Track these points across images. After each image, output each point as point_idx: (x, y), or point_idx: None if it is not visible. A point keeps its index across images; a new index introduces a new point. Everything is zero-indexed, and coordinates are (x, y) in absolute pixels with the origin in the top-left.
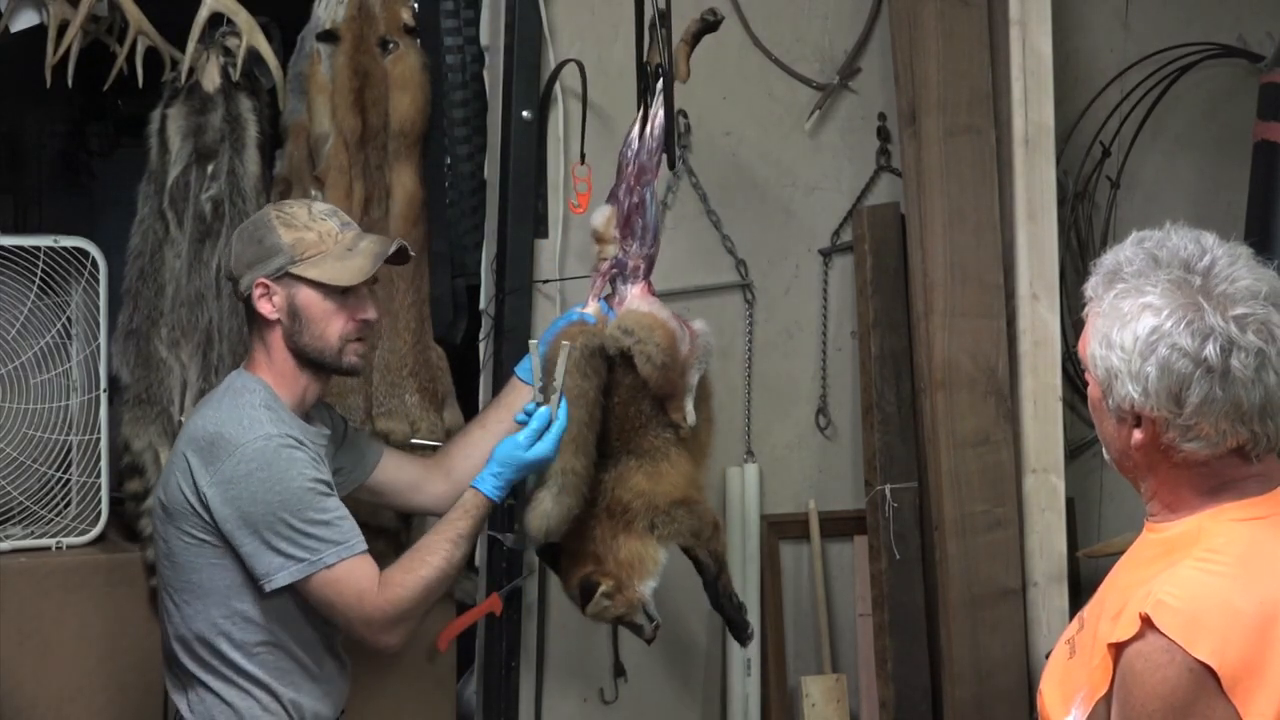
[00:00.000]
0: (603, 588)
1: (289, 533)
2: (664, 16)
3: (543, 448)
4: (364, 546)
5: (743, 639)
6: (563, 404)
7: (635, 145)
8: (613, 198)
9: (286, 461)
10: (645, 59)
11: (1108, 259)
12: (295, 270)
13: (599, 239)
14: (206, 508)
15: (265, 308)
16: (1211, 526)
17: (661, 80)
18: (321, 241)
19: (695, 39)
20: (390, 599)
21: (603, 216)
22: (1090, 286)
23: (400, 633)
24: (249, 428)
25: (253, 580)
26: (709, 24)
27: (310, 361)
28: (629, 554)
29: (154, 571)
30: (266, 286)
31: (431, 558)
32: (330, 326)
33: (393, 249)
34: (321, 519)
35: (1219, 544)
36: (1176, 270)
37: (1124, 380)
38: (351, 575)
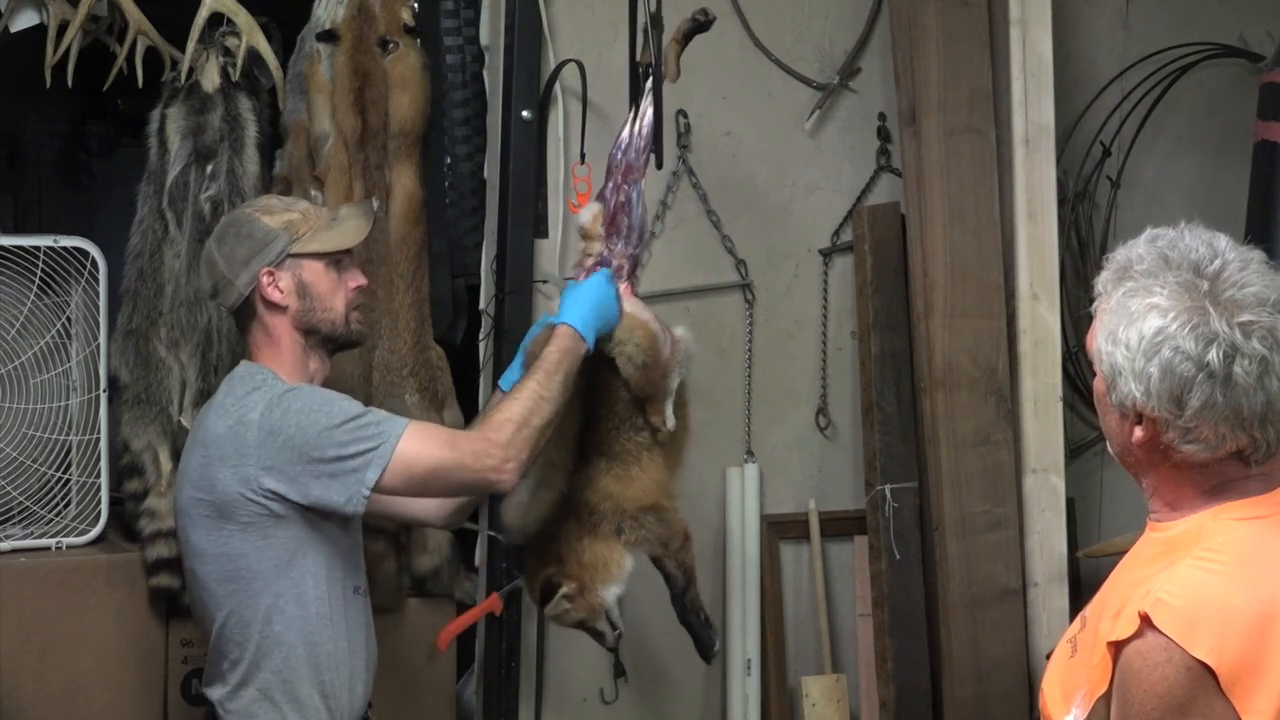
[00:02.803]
0: (564, 590)
1: (348, 438)
2: (654, 18)
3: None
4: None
5: (708, 656)
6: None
7: (624, 144)
8: (601, 196)
9: (308, 390)
10: (639, 59)
11: (1120, 255)
12: (296, 249)
13: (586, 236)
14: (267, 489)
15: (275, 295)
16: (1212, 525)
17: (650, 79)
18: (306, 220)
19: (686, 38)
20: (488, 426)
21: (590, 214)
22: (1101, 281)
23: (511, 457)
24: (263, 392)
25: (321, 527)
26: (700, 24)
27: (323, 339)
28: (593, 557)
29: (154, 572)
30: (272, 274)
31: (523, 385)
32: (337, 297)
33: (376, 206)
34: (363, 411)
35: (1219, 543)
36: (1186, 273)
37: (1127, 378)
38: (424, 434)
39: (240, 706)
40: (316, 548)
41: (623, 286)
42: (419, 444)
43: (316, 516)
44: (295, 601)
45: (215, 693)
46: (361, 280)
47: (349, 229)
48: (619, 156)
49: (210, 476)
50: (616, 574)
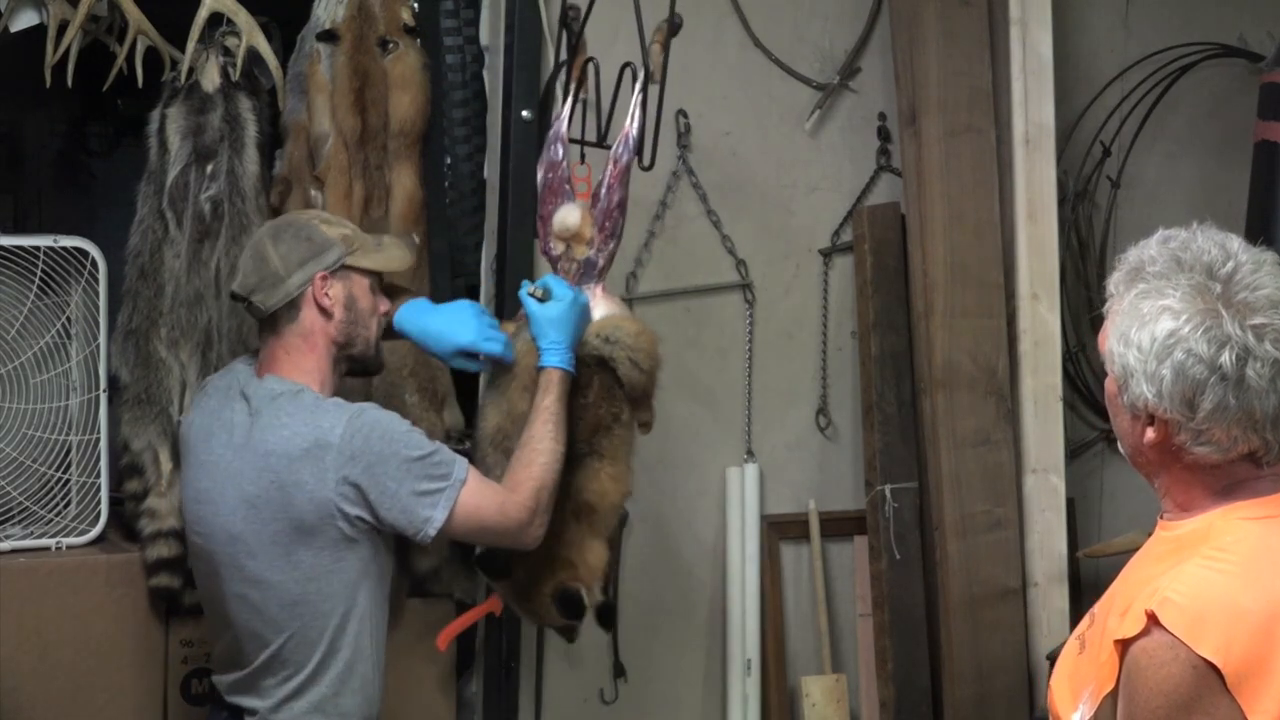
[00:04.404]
0: (584, 593)
1: (422, 471)
2: (576, 14)
3: (562, 299)
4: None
5: (613, 624)
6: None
7: (564, 142)
8: (561, 193)
9: (386, 415)
10: (570, 56)
11: (1132, 255)
12: (351, 260)
13: (575, 239)
14: (346, 512)
15: (326, 300)
16: (1221, 525)
17: (639, 81)
18: (356, 236)
19: (666, 41)
20: (527, 495)
21: (576, 215)
22: (1113, 283)
23: (543, 523)
24: (336, 412)
25: (381, 550)
26: (675, 27)
27: (351, 357)
28: (596, 558)
29: (154, 572)
30: (326, 279)
31: (542, 444)
32: (373, 319)
33: (417, 239)
34: (434, 449)
35: (1227, 542)
36: (1198, 275)
37: (1139, 380)
38: (482, 490)
39: (289, 718)
40: (377, 567)
41: (600, 287)
42: (476, 498)
43: (382, 538)
44: (358, 619)
45: (252, 702)
46: (387, 304)
47: (395, 255)
48: (558, 155)
49: (283, 500)
50: (605, 571)
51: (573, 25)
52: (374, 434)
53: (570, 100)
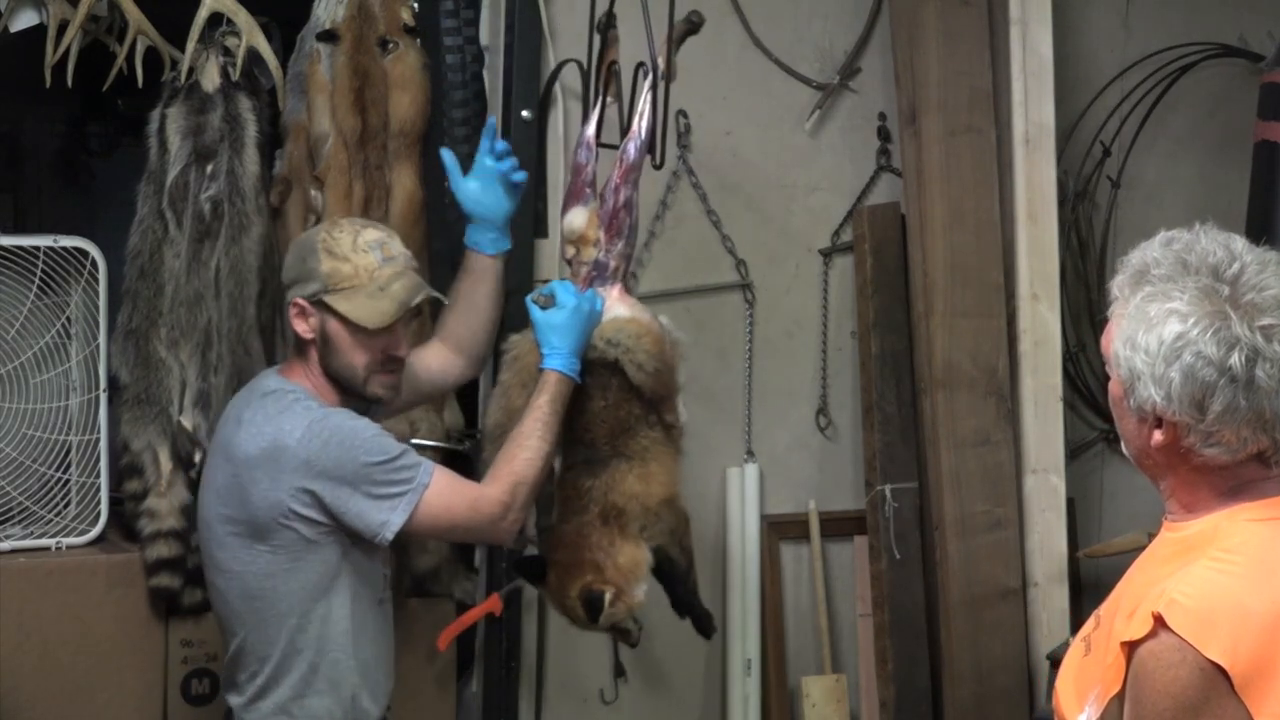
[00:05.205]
0: (608, 596)
1: (382, 475)
2: (609, 18)
3: (565, 306)
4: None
5: (710, 633)
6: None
7: (588, 146)
8: (581, 197)
9: (350, 420)
10: (599, 59)
11: (1135, 258)
12: (326, 299)
13: (582, 240)
14: (301, 514)
15: (300, 326)
16: (1228, 526)
17: (650, 79)
18: (356, 275)
19: (679, 41)
20: (502, 489)
21: (583, 216)
22: (1116, 285)
23: (517, 519)
24: (300, 416)
25: (352, 552)
26: (693, 25)
27: (339, 383)
28: (627, 559)
29: (154, 572)
30: (302, 307)
31: (528, 440)
32: (356, 357)
33: (418, 299)
34: (398, 453)
35: (1234, 544)
36: (1205, 277)
37: (1146, 383)
38: (450, 489)
39: (257, 718)
40: (348, 570)
41: (618, 288)
42: (445, 499)
43: (348, 539)
44: (321, 621)
45: (232, 699)
46: (401, 351)
47: (380, 309)
48: (586, 158)
49: (241, 497)
50: (644, 572)
51: (606, 32)
52: (333, 439)
53: (600, 105)
